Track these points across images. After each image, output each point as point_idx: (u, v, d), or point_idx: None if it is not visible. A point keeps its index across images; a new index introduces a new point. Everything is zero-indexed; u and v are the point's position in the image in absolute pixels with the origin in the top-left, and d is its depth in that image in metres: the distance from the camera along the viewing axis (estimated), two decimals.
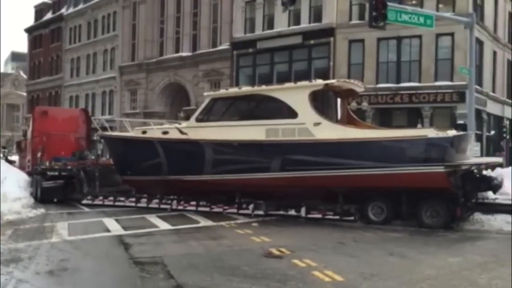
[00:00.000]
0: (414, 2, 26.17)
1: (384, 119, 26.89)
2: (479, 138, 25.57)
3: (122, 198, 17.85)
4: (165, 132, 16.93)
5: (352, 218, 13.85)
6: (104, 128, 19.68)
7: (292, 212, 14.75)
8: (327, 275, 7.80)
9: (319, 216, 14.28)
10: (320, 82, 15.14)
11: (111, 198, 17.97)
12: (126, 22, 41.78)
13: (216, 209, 15.73)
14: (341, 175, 13.48)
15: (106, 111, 43.93)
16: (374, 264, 8.79)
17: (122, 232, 12.21)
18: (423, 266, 8.63)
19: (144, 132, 17.52)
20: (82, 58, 48.43)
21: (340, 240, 11.11)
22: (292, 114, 14.50)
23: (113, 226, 13.07)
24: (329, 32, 28.65)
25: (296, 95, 14.71)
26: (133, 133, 18.04)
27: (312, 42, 29.38)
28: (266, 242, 10.73)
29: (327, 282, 7.52)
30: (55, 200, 18.60)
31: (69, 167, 19.46)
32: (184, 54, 36.91)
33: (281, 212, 14.91)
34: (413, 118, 26.38)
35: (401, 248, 10.35)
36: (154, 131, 17.25)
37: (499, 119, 30.72)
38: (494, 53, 30.08)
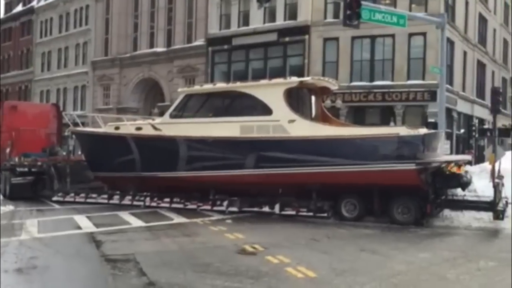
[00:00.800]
0: (387, 1, 26.50)
1: (357, 117, 27.18)
2: (449, 136, 26.12)
3: (94, 195, 17.61)
4: (138, 128, 16.75)
5: (325, 214, 13.97)
6: (75, 124, 19.35)
7: (266, 208, 14.78)
8: (300, 271, 7.86)
9: (293, 213, 14.36)
10: (294, 79, 15.22)
11: (83, 195, 17.70)
12: (99, 16, 41.09)
13: (190, 206, 15.66)
14: (315, 172, 13.60)
15: (78, 107, 43.15)
16: (346, 260, 8.90)
17: (94, 229, 12.03)
18: (394, 261, 8.77)
19: (117, 128, 17.30)
20: (54, 52, 47.41)
21: (313, 237, 11.20)
22: (267, 111, 14.54)
23: (85, 223, 12.88)
24: (304, 29, 28.77)
25: (270, 92, 14.75)
26: (106, 129, 17.79)
27: (287, 39, 29.46)
28: (240, 239, 10.74)
29: (300, 278, 7.58)
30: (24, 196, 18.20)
31: (39, 163, 19.07)
32: (158, 49, 36.53)
33: (255, 209, 14.94)
34: (386, 116, 26.75)
35: (373, 244, 10.50)
36: (127, 127, 17.04)
37: (468, 118, 31.42)
38: (465, 53, 30.74)
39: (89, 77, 41.87)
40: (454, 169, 13.54)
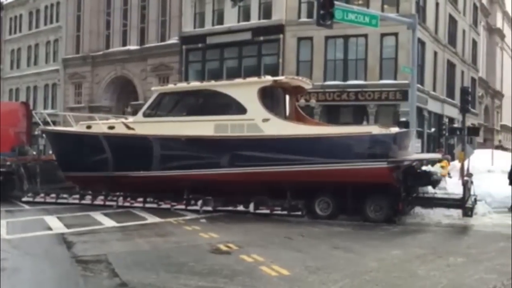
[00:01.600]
0: (360, 2, 26.82)
1: (331, 116, 27.42)
2: (420, 135, 26.60)
3: (65, 195, 17.29)
4: (111, 127, 16.50)
5: (299, 213, 14.05)
6: (46, 123, 18.94)
7: (241, 207, 14.80)
8: (273, 270, 7.88)
9: (268, 211, 14.40)
10: (269, 78, 15.24)
11: (53, 195, 17.34)
12: (70, 13, 40.32)
13: (164, 206, 15.53)
14: (289, 170, 13.66)
15: (49, 105, 42.28)
16: (319, 258, 8.98)
17: (65, 230, 11.82)
18: (367, 259, 8.89)
19: (89, 127, 17.00)
20: (23, 49, 46.33)
21: (287, 235, 11.25)
22: (241, 110, 14.54)
23: (55, 224, 12.64)
24: (279, 29, 28.86)
25: (245, 91, 14.75)
26: (77, 127, 17.48)
27: (261, 38, 29.50)
28: (214, 238, 10.71)
29: (274, 276, 7.60)
30: None
31: (8, 163, 18.57)
32: (131, 47, 36.11)
33: (230, 208, 14.92)
34: (359, 115, 27.07)
35: (346, 242, 10.62)
36: (100, 126, 16.77)
37: (439, 117, 32.07)
38: (435, 53, 31.36)
39: (60, 75, 41.07)
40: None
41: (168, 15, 34.33)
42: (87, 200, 16.77)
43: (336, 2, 15.94)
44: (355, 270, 8.05)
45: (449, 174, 15.25)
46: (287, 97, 16.30)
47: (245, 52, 30.50)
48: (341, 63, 27.98)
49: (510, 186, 16.28)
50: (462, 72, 37.51)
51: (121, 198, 16.19)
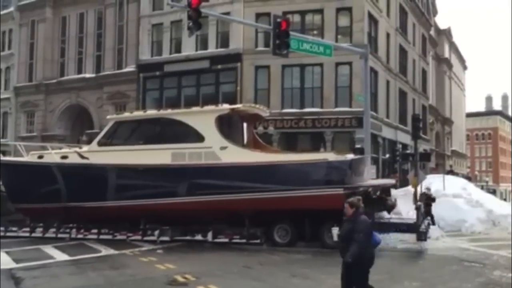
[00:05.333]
0: (315, 32, 27.59)
1: (289, 143, 27.71)
2: (375, 161, 27.23)
3: (14, 228, 16.57)
4: (64, 157, 16.09)
5: (258, 241, 13.99)
6: None
7: (199, 237, 14.61)
8: None
9: (226, 240, 14.27)
10: (226, 106, 15.36)
11: (2, 228, 16.58)
12: (24, 40, 39.41)
13: (119, 237, 15.13)
14: (247, 198, 13.65)
15: None
16: (278, 286, 8.94)
17: (13, 265, 11.30)
18: (324, 286, 8.92)
19: (40, 156, 16.51)
20: None
21: (246, 264, 11.15)
22: (199, 138, 14.52)
23: (3, 259, 12.01)
24: (236, 57, 29.19)
25: (202, 119, 14.77)
26: (28, 157, 16.91)
27: (219, 66, 29.71)
28: (171, 269, 10.48)
29: None
30: None
31: None
32: (87, 75, 35.51)
33: (188, 237, 14.70)
34: (317, 142, 27.48)
35: (304, 269, 10.62)
36: (52, 155, 16.32)
37: (392, 143, 32.99)
38: (387, 82, 32.46)
39: (12, 104, 39.80)
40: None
41: (125, 43, 34.12)
42: (38, 232, 16.16)
43: (291, 33, 16.33)
44: None
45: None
46: (245, 124, 16.42)
47: (203, 80, 30.60)
48: (298, 91, 28.47)
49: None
50: (414, 100, 38.93)
51: (74, 230, 15.68)
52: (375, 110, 28.24)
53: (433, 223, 17.01)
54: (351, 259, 6.55)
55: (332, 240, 13.43)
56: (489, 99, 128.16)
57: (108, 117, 17.82)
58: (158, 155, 14.66)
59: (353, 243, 6.51)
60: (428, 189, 18.26)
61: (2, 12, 40.89)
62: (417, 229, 13.55)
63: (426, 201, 16.90)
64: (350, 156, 14.63)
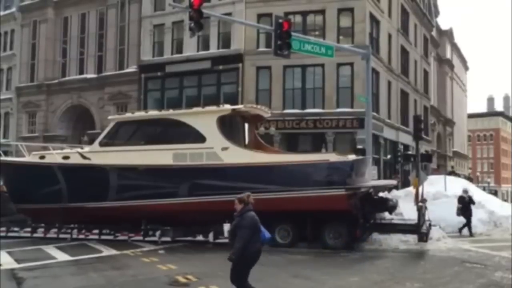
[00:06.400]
0: (317, 33, 27.60)
1: (291, 143, 27.72)
2: (376, 162, 27.21)
3: (16, 229, 16.61)
4: (65, 157, 16.10)
5: None
6: None
7: (200, 237, 14.60)
8: None
9: (227, 241, 14.22)
10: (227, 107, 15.35)
11: (4, 228, 16.63)
12: (25, 41, 39.46)
13: (120, 237, 15.14)
14: None
15: (0, 135, 40.77)
16: (279, 287, 8.91)
17: (15, 265, 11.31)
18: (325, 287, 8.91)
19: (42, 157, 16.53)
20: None
21: None
22: (200, 138, 14.51)
23: (5, 259, 12.03)
24: (238, 58, 29.20)
25: (204, 120, 14.77)
26: (30, 158, 16.94)
27: (221, 67, 29.74)
28: (173, 270, 10.48)
29: None
30: None
31: None
32: (89, 75, 35.57)
33: (189, 238, 14.70)
34: (318, 143, 27.47)
35: (305, 270, 10.61)
36: (54, 156, 16.33)
37: (394, 144, 32.97)
38: (389, 82, 32.44)
39: (13, 104, 39.86)
40: None
41: (127, 43, 34.16)
42: (40, 233, 16.19)
43: (293, 33, 16.34)
44: None
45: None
46: (246, 125, 16.42)
47: (204, 81, 30.62)
48: (299, 91, 28.47)
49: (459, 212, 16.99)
50: (415, 101, 38.89)
51: (75, 231, 15.69)
52: (377, 111, 28.22)
53: (470, 229, 16.99)
54: (234, 256, 6.54)
55: (332, 241, 13.46)
56: (491, 100, 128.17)
57: (110, 117, 17.84)
58: (160, 155, 14.66)
59: (237, 239, 6.52)
60: (466, 191, 18.18)
61: (4, 13, 41.01)
62: (418, 230, 13.54)
63: (463, 204, 16.98)
64: (352, 157, 14.60)
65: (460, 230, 17.51)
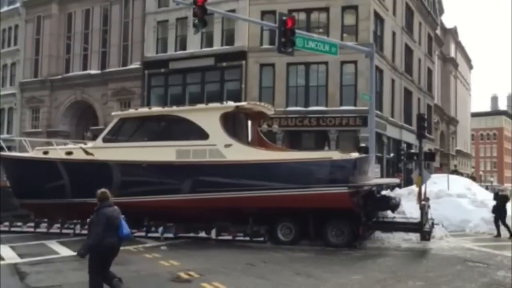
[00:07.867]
0: (320, 30, 27.54)
1: (293, 141, 27.68)
2: (379, 160, 27.17)
3: (19, 223, 16.65)
4: (69, 153, 16.13)
5: (262, 239, 14.00)
6: (0, 148, 18.31)
7: (203, 234, 14.63)
8: None
9: (230, 237, 14.28)
10: (231, 104, 15.33)
11: (7, 223, 16.68)
12: (29, 36, 39.52)
13: None
14: (251, 196, 13.64)
15: (4, 130, 40.89)
16: (281, 284, 8.93)
17: (18, 260, 11.35)
18: (328, 284, 8.91)
19: (45, 152, 16.56)
20: None
21: (249, 262, 11.16)
22: (203, 135, 14.51)
23: (8, 254, 12.09)
24: (241, 55, 29.18)
25: (207, 116, 14.77)
26: (34, 153, 16.98)
27: (224, 64, 29.70)
28: (175, 266, 10.50)
29: None
30: None
31: None
32: (92, 71, 35.61)
33: (192, 234, 14.72)
34: (321, 141, 27.44)
35: (308, 267, 10.62)
36: (57, 151, 16.36)
37: (397, 142, 32.91)
38: (393, 81, 32.37)
39: (17, 99, 39.96)
40: None
41: (130, 40, 34.17)
42: (43, 228, 16.22)
43: (297, 31, 16.31)
44: None
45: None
46: (250, 122, 16.41)
47: (207, 78, 30.61)
48: (303, 89, 28.44)
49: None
50: (419, 99, 38.81)
51: (78, 226, 15.71)
52: (380, 109, 28.17)
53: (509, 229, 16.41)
54: (83, 251, 6.81)
55: (334, 239, 13.46)
56: (494, 99, 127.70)
57: (113, 113, 17.86)
58: (163, 152, 14.67)
59: (88, 235, 6.62)
60: (502, 190, 17.72)
61: (8, 8, 41.07)
62: (421, 228, 13.52)
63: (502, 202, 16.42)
64: (355, 155, 14.58)
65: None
